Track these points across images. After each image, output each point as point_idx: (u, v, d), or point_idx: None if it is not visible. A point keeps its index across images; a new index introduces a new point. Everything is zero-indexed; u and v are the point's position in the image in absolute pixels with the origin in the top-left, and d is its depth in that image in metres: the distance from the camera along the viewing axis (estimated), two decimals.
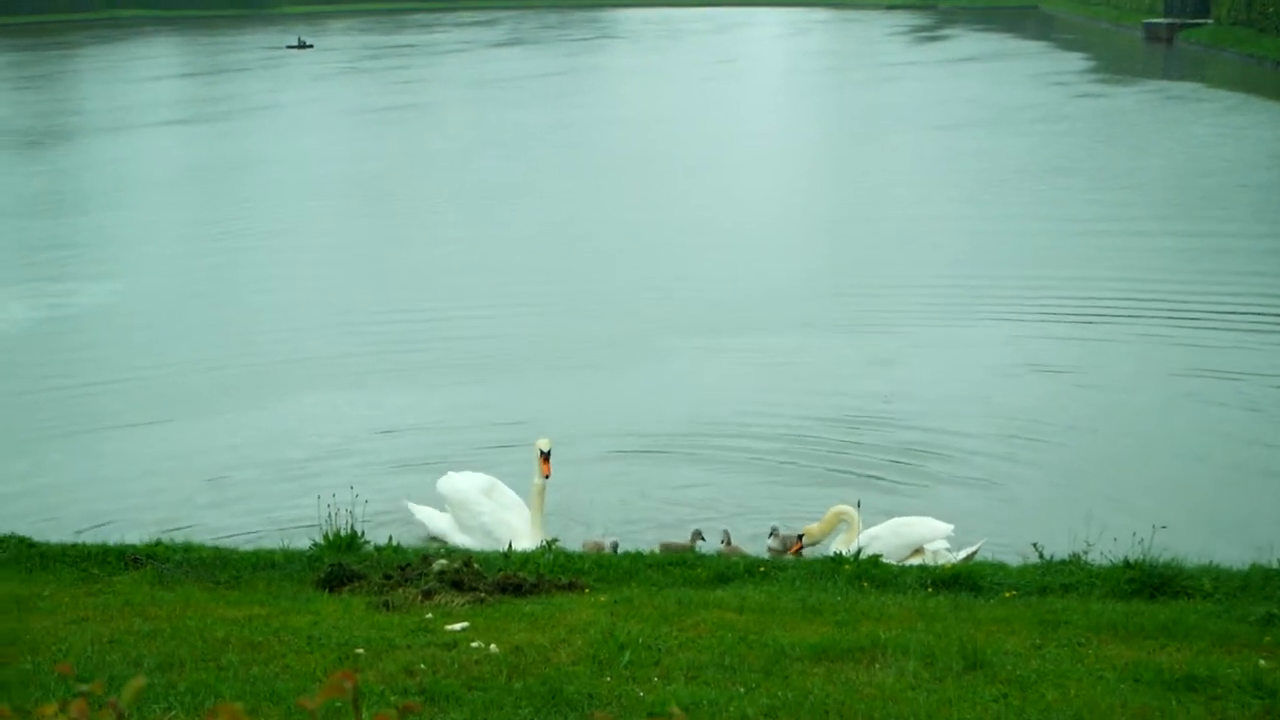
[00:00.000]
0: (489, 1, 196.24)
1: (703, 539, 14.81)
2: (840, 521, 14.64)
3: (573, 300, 27.49)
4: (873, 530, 14.47)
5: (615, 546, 14.68)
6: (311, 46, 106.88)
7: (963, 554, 13.89)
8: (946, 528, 14.43)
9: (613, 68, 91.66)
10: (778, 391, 21.16)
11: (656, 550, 13.74)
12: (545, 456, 14.87)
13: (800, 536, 14.86)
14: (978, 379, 21.74)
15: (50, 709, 2.31)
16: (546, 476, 14.94)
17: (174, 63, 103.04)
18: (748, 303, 26.96)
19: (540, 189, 41.45)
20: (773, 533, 14.94)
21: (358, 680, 2.24)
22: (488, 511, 15.17)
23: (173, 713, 8.25)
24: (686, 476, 17.64)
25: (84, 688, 2.33)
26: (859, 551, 13.23)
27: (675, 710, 2.71)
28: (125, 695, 2.30)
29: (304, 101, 69.24)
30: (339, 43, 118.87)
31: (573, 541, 14.81)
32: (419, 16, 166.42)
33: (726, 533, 14.96)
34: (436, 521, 15.55)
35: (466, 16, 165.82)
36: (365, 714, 8.05)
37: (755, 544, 14.93)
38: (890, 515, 15.06)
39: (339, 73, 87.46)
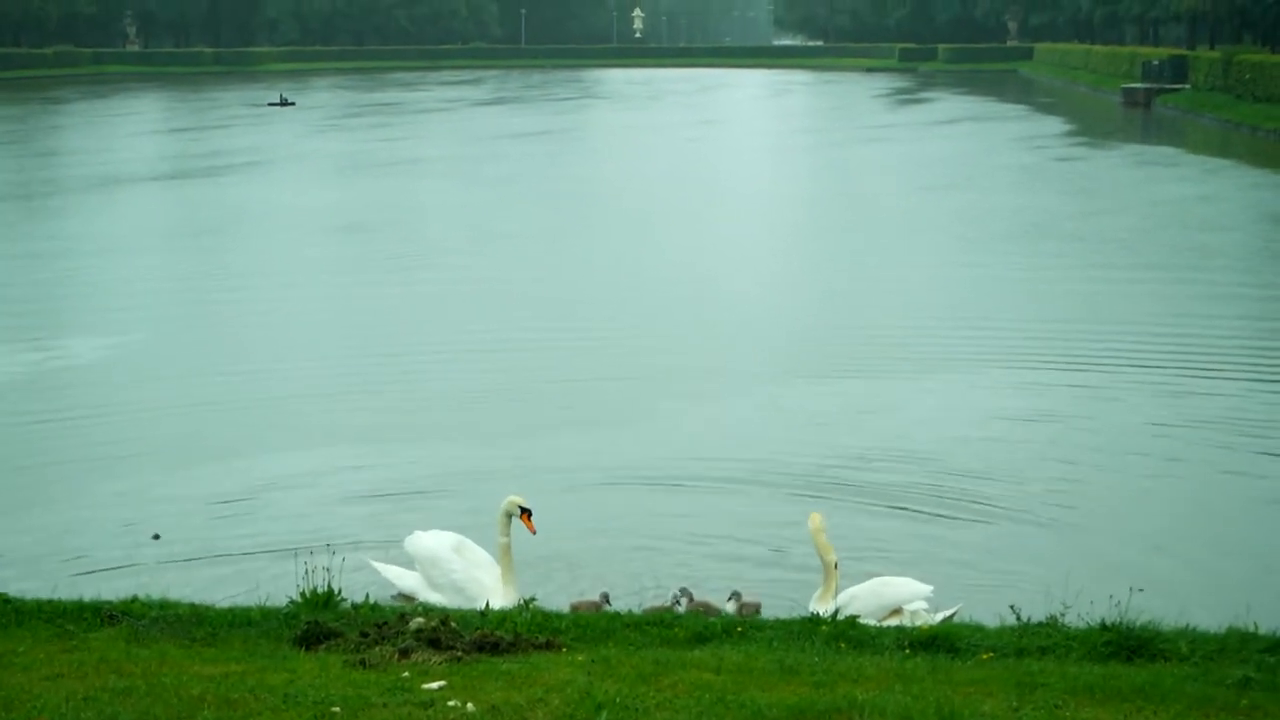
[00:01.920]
0: (472, 61, 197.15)
1: (609, 602, 14.60)
2: (820, 536, 14.45)
3: (556, 351, 27.59)
4: (852, 590, 14.45)
5: (606, 597, 14.72)
6: (294, 104, 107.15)
7: (940, 616, 13.89)
8: (926, 589, 14.41)
9: (597, 125, 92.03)
10: (752, 440, 21.23)
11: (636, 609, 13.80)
12: (526, 514, 14.79)
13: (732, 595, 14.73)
14: (956, 431, 21.81)
15: None
16: (533, 533, 14.89)
17: (157, 118, 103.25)
18: (728, 355, 27.09)
19: (525, 243, 41.58)
20: (731, 596, 14.86)
21: None
22: (459, 569, 15.09)
23: None
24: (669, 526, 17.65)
25: None
26: (836, 612, 13.21)
27: None
28: None
29: (286, 159, 69.38)
30: (321, 100, 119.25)
31: (558, 592, 14.85)
32: (401, 75, 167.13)
33: (688, 591, 14.83)
34: (405, 580, 15.43)
35: (450, 75, 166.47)
36: None
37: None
38: (868, 574, 15.05)
39: (321, 130, 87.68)
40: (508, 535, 14.83)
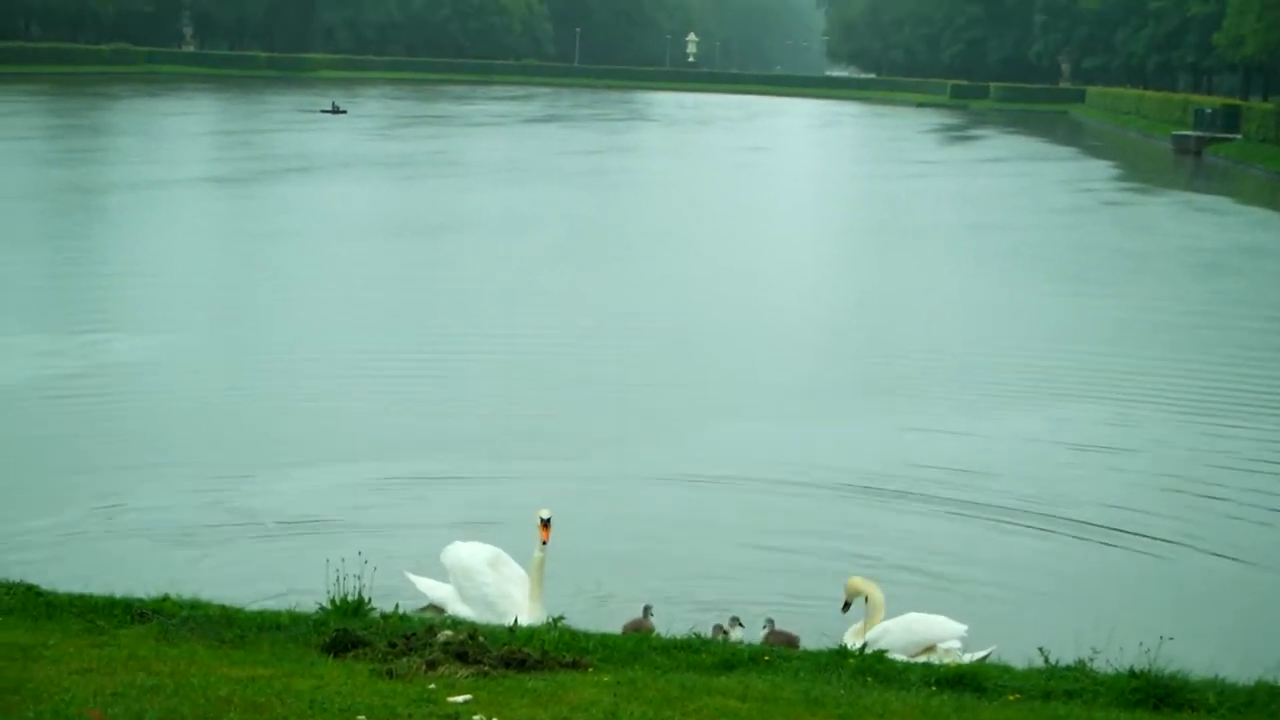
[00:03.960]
0: (524, 78, 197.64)
1: (652, 614, 14.81)
2: (858, 593, 14.63)
3: (607, 375, 27.72)
4: (886, 624, 14.46)
5: (648, 610, 14.81)
6: (345, 112, 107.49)
7: (971, 657, 13.84)
8: (960, 628, 14.38)
9: (646, 149, 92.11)
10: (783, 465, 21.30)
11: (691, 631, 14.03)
12: (545, 524, 14.84)
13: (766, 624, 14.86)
14: (993, 464, 21.95)
15: None
16: (544, 542, 14.90)
17: (209, 120, 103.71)
18: (772, 383, 27.15)
19: (568, 271, 41.68)
20: (766, 624, 14.91)
21: None
22: (491, 583, 15.13)
23: None
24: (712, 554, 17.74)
25: None
26: (864, 646, 13.20)
27: None
28: None
29: (337, 165, 69.65)
30: (372, 109, 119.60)
31: (589, 610, 14.98)
32: (452, 88, 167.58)
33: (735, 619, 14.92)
34: (437, 591, 15.50)
35: (501, 90, 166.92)
36: None
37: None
38: (901, 607, 15.08)
39: (373, 138, 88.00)
40: (543, 550, 14.89)
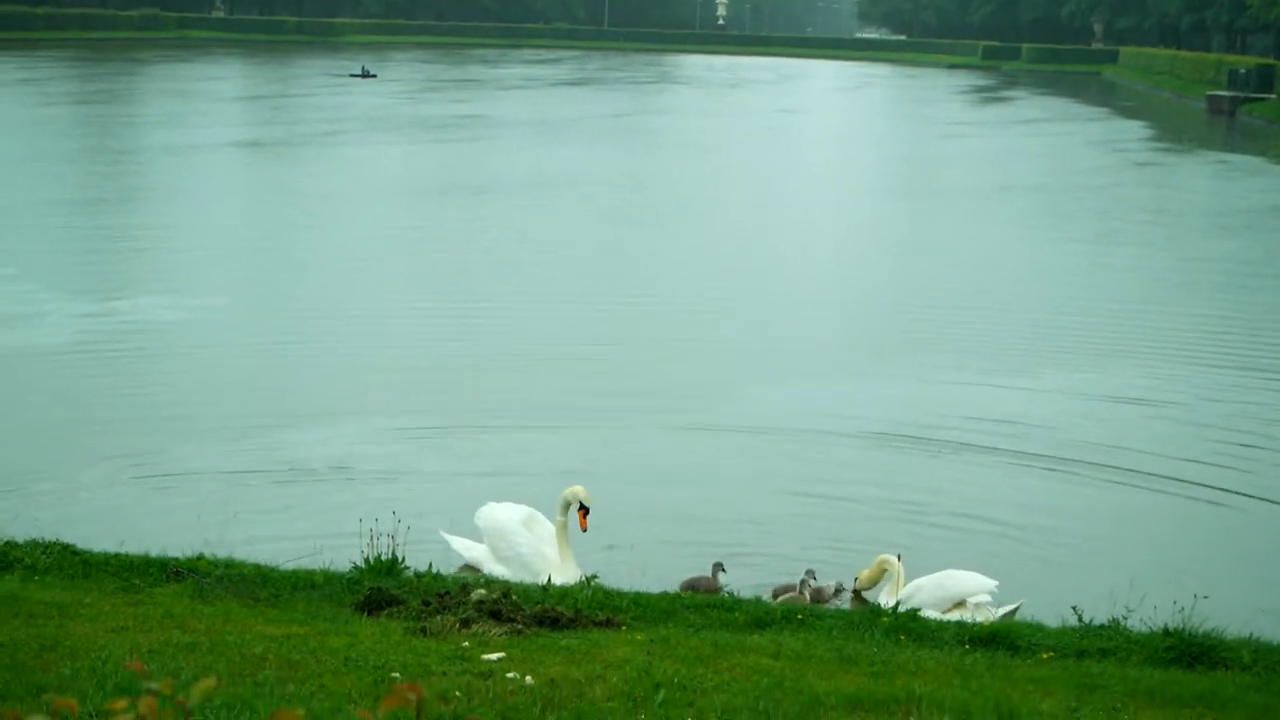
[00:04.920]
0: (553, 41, 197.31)
1: (723, 570, 15.02)
2: (885, 571, 14.81)
3: (645, 338, 27.74)
4: (918, 580, 14.58)
5: (718, 567, 14.94)
6: (375, 76, 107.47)
7: (1001, 612, 13.88)
8: (991, 583, 14.46)
9: (677, 110, 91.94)
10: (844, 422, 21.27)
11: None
12: (584, 511, 14.92)
13: (838, 587, 15.00)
14: (1039, 416, 22.01)
15: (120, 704, 2.34)
16: (583, 529, 14.99)
17: (238, 85, 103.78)
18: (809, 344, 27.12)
19: (606, 232, 41.67)
20: (806, 578, 15.01)
21: (423, 691, 2.26)
22: (525, 543, 15.22)
23: None
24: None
25: (153, 685, 2.36)
26: (897, 604, 13.23)
27: None
28: (194, 695, 2.33)
29: (369, 129, 69.66)
30: (401, 73, 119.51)
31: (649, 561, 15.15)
32: (482, 52, 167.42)
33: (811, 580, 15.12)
34: (472, 551, 15.61)
35: (530, 54, 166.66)
36: None
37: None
38: (936, 566, 15.15)
39: (402, 101, 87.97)
40: (564, 516, 14.97)
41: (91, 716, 8.06)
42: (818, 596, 14.71)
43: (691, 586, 14.58)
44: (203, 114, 74.76)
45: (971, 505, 18.28)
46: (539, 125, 75.09)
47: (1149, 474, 19.67)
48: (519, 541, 15.21)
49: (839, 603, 14.75)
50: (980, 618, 13.35)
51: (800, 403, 22.93)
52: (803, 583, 14.87)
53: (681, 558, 15.85)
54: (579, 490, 15.01)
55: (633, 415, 21.99)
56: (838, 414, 22.21)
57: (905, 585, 14.58)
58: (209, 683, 2.38)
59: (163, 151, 57.22)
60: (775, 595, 14.50)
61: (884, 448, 20.74)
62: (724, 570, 15.07)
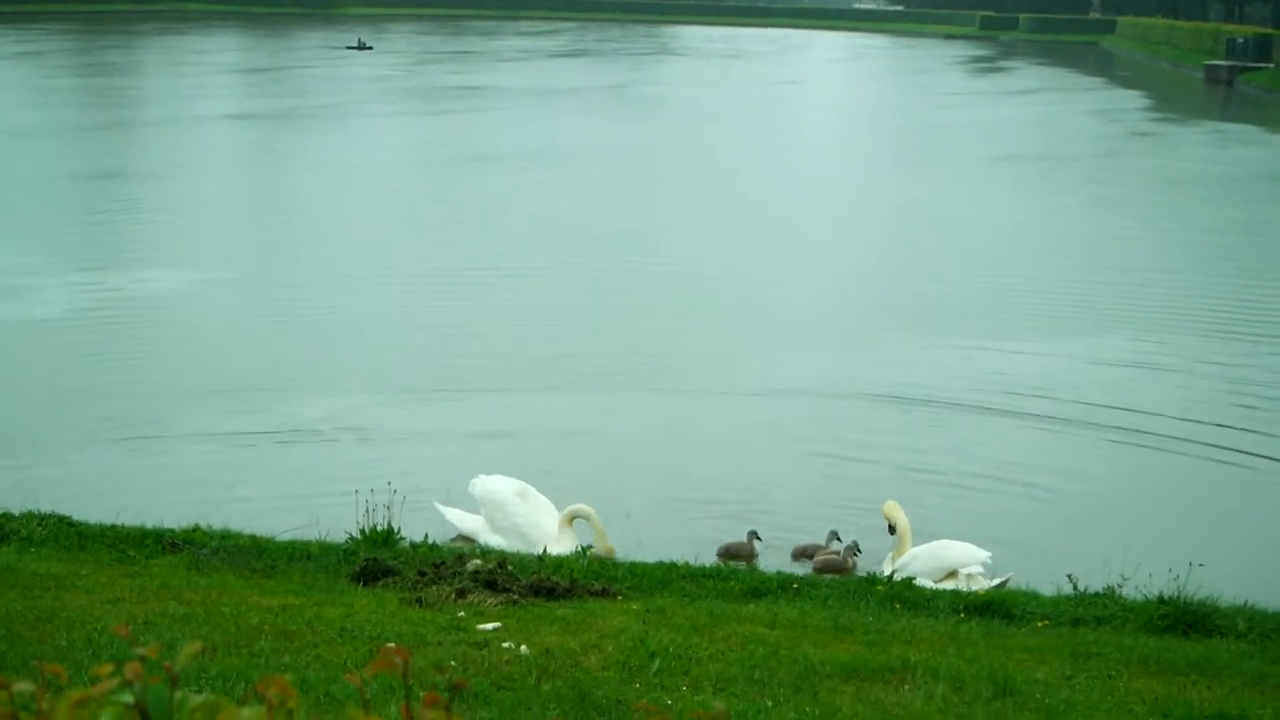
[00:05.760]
0: (549, 13, 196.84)
1: (759, 538, 15.14)
2: (891, 519, 14.92)
3: (641, 312, 27.70)
4: (915, 550, 14.64)
5: (755, 535, 15.12)
6: (371, 48, 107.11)
7: (993, 583, 13.92)
8: (984, 554, 14.50)
9: (677, 81, 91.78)
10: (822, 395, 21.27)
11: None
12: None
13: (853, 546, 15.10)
14: (1017, 412, 21.89)
15: (106, 669, 2.34)
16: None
17: (236, 57, 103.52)
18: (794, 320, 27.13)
19: (611, 201, 41.61)
20: (833, 540, 15.20)
21: (408, 655, 2.26)
22: (521, 513, 15.28)
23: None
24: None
25: (140, 650, 2.36)
26: (893, 573, 13.26)
27: (718, 706, 2.69)
28: (181, 659, 2.33)
29: (361, 103, 69.51)
30: (399, 45, 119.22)
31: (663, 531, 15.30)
32: (479, 24, 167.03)
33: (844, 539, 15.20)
34: (467, 522, 15.65)
35: (527, 26, 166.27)
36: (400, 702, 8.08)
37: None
38: (936, 526, 15.29)
39: (400, 73, 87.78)
40: (570, 525, 15.07)
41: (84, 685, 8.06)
42: (848, 557, 14.92)
43: (727, 552, 14.78)
44: (201, 87, 74.57)
45: (971, 465, 18.44)
46: (539, 96, 74.95)
47: (1151, 433, 19.89)
48: (515, 512, 15.27)
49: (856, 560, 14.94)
50: (973, 588, 13.39)
51: (791, 369, 22.94)
52: (848, 547, 15.04)
53: (680, 527, 15.88)
54: (585, 510, 15.15)
55: (628, 382, 22.01)
56: (829, 378, 22.25)
57: (910, 545, 14.70)
58: (195, 646, 2.38)
59: (162, 125, 57.10)
60: (796, 556, 14.74)
61: (878, 409, 20.83)
62: (759, 539, 15.17)
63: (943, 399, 21.26)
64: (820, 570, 14.46)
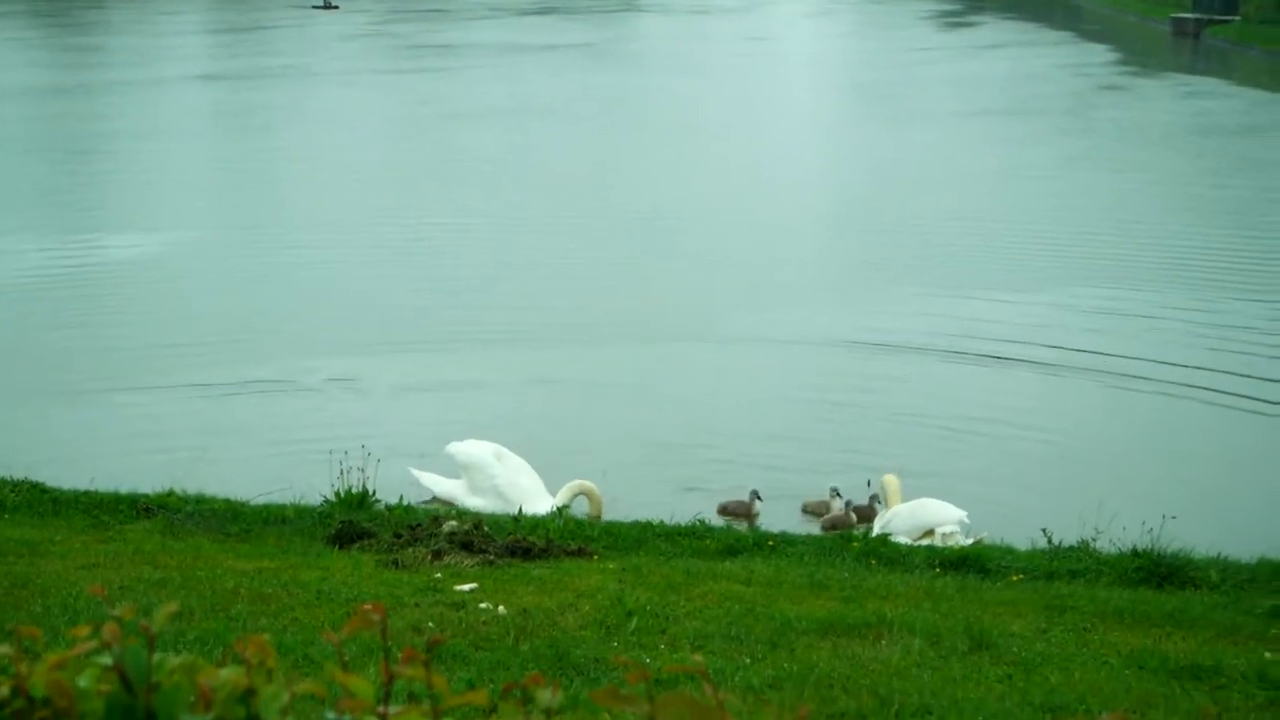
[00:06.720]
0: None
1: (760, 498, 15.27)
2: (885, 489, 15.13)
3: (618, 272, 27.63)
4: (895, 507, 14.80)
5: (756, 495, 15.22)
6: (337, 8, 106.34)
7: (970, 541, 13.98)
8: (960, 513, 14.60)
9: (646, 37, 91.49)
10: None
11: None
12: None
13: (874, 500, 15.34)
14: (993, 360, 21.98)
15: (83, 630, 2.33)
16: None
17: (203, 18, 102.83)
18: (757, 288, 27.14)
19: (589, 157, 41.51)
20: (835, 496, 15.32)
21: (385, 613, 2.25)
22: (500, 474, 15.34)
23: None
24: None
25: (115, 612, 2.34)
26: (869, 530, 13.31)
27: (696, 658, 2.71)
28: (157, 619, 2.32)
29: (330, 61, 69.15)
30: (364, 4, 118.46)
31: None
32: None
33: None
34: (443, 485, 15.68)
35: None
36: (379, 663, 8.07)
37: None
38: (919, 473, 15.48)
39: (367, 34, 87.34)
40: (569, 502, 15.08)
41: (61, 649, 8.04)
42: (850, 515, 15.06)
43: (726, 510, 14.87)
44: (169, 48, 74.06)
45: (945, 411, 18.64)
46: (510, 52, 74.65)
47: (1124, 376, 20.21)
48: (494, 474, 15.33)
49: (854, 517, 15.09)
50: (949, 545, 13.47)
51: (765, 319, 23.02)
52: (848, 504, 15.25)
53: (654, 484, 15.90)
54: (588, 485, 15.19)
55: (606, 334, 22.06)
56: (805, 329, 22.35)
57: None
58: (171, 607, 2.36)
59: (129, 86, 56.72)
60: (805, 510, 14.93)
61: (856, 356, 20.96)
62: (760, 499, 15.21)
63: (915, 346, 21.41)
64: (827, 528, 14.56)
